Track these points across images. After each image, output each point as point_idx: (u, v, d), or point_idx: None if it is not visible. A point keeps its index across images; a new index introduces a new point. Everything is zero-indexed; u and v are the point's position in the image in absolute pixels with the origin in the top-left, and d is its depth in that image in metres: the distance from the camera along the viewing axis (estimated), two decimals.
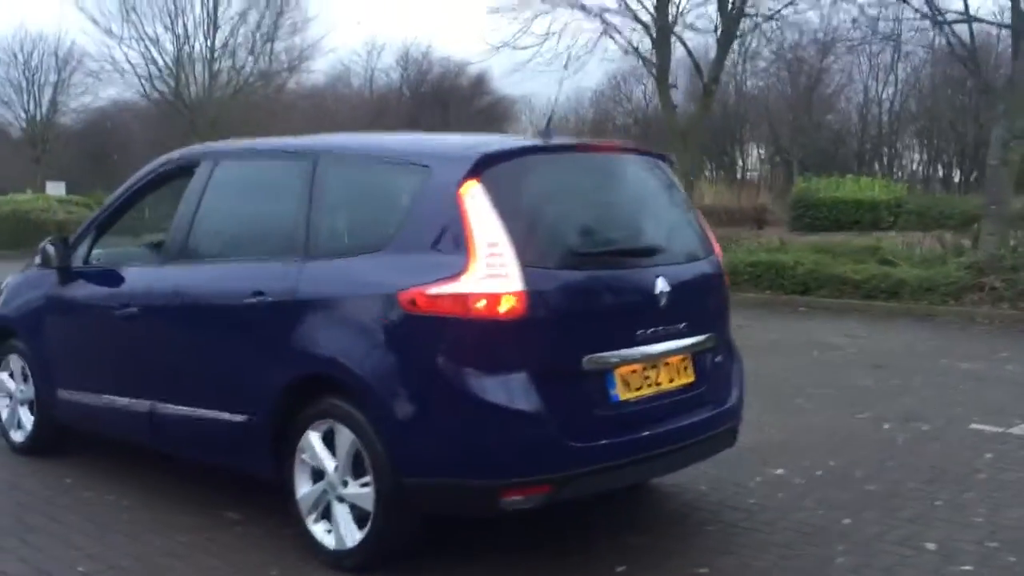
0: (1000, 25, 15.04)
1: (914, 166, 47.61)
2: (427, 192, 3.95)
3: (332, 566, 4.10)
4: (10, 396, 6.06)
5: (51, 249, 5.44)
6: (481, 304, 3.69)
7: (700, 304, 4.40)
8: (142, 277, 5.10)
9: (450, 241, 3.81)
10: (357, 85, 56.64)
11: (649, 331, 4.08)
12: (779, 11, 17.67)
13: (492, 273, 3.70)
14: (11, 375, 6.02)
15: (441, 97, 54.72)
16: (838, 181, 28.47)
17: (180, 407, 4.75)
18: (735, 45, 23.01)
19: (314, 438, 4.16)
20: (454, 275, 3.74)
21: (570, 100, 50.92)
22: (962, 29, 14.25)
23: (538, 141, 4.27)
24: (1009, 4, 13.38)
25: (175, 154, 5.39)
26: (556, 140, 4.31)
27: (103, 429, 5.47)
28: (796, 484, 5.20)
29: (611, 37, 17.76)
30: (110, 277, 5.32)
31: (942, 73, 37.82)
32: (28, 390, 5.88)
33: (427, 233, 3.90)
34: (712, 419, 4.33)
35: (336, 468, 4.08)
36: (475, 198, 3.82)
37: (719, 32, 17.27)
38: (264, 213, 4.70)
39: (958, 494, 5.02)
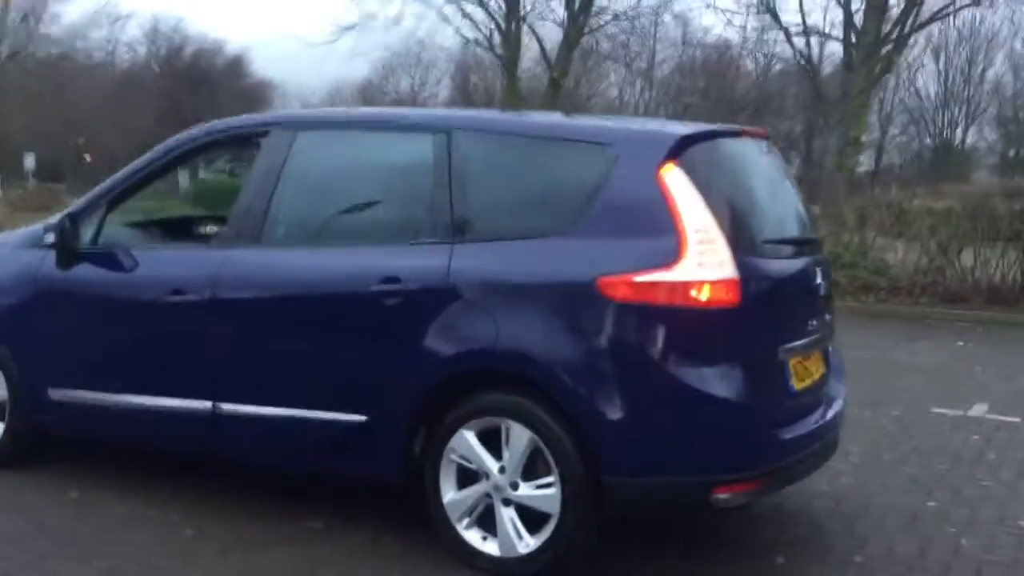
0: (832, 38, 16.21)
1: None
2: (619, 174, 3.72)
3: (493, 574, 3.79)
4: None
5: (65, 226, 4.67)
6: (695, 292, 3.53)
7: (829, 293, 4.43)
8: (198, 262, 4.49)
9: (654, 226, 3.61)
10: (99, 58, 52.82)
11: (814, 321, 4.06)
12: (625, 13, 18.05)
13: (705, 260, 3.55)
14: None
15: (196, 76, 52.07)
16: None
17: (263, 408, 4.22)
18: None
19: (470, 437, 3.83)
20: (666, 263, 3.55)
21: (330, 90, 50.08)
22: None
23: (714, 125, 4.12)
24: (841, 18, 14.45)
25: (222, 123, 4.79)
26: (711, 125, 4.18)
27: (120, 433, 4.79)
28: (843, 470, 5.32)
29: (453, 24, 17.60)
30: (145, 261, 4.66)
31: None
32: None
33: (623, 217, 3.67)
34: (841, 410, 4.36)
35: (502, 469, 3.77)
36: (678, 181, 3.64)
37: (566, 27, 17.49)
38: (382, 191, 4.26)
39: (993, 473, 5.33)
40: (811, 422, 3.96)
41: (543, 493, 3.70)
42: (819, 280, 4.10)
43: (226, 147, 4.98)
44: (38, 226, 5.15)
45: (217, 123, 4.80)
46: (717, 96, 40.79)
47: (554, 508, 3.68)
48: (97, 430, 4.85)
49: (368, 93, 48.45)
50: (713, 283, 3.54)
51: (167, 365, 4.50)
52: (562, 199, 3.82)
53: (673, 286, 3.53)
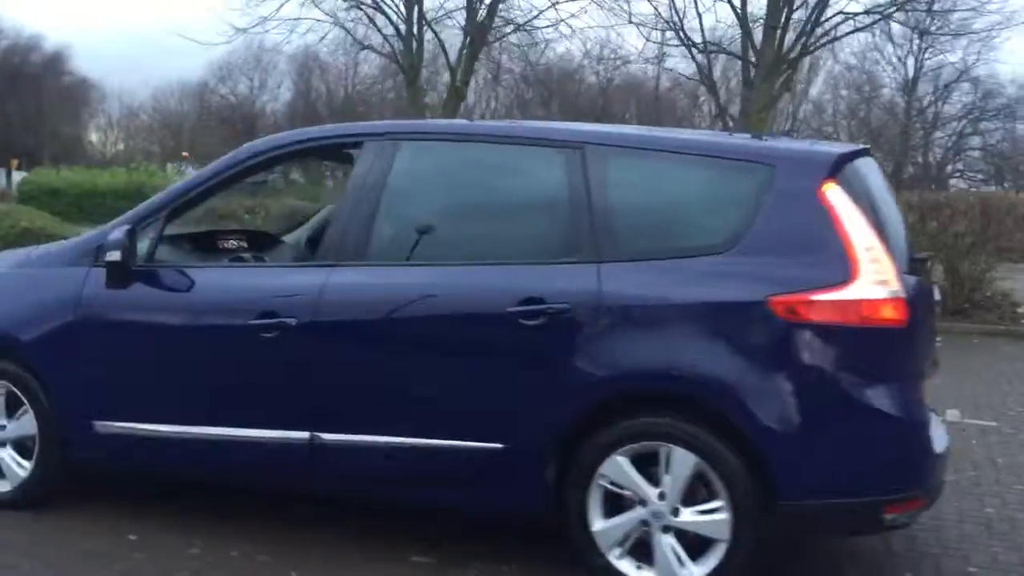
0: (733, 54, 16.69)
1: None
2: (780, 193, 3.67)
3: None
4: None
5: (122, 241, 4.22)
6: (870, 311, 3.53)
7: None
8: (292, 281, 4.16)
9: (824, 245, 3.58)
10: None
11: (936, 338, 4.13)
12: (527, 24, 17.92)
13: (877, 279, 3.55)
14: None
15: (11, 73, 48.86)
16: None
17: (376, 437, 3.95)
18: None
19: (624, 463, 3.69)
20: (841, 282, 3.53)
21: (157, 90, 48.11)
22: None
23: (854, 145, 4.09)
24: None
25: (304, 133, 4.46)
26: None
27: (188, 469, 4.38)
28: None
29: (350, 32, 17.13)
30: (219, 280, 4.29)
31: None
32: (19, 426, 4.54)
33: (788, 236, 3.63)
34: None
35: (662, 495, 3.66)
36: (840, 200, 3.63)
37: (467, 37, 17.25)
38: (509, 207, 4.06)
39: (1019, 476, 5.58)
40: (942, 436, 4.01)
41: (709, 518, 3.61)
42: (937, 296, 4.17)
43: (308, 158, 4.64)
44: (74, 242, 4.68)
45: (300, 132, 4.48)
46: (561, 106, 41.57)
47: (723, 533, 3.59)
48: (157, 466, 4.43)
49: (204, 95, 46.77)
50: (885, 302, 3.54)
51: (255, 394, 4.15)
52: (719, 218, 3.75)
53: (848, 305, 3.51)
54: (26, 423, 4.52)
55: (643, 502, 3.68)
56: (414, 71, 16.99)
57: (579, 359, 3.70)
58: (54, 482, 4.56)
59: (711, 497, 3.61)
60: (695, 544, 3.66)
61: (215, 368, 4.21)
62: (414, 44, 16.83)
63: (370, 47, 17.64)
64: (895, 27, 17.02)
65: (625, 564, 3.72)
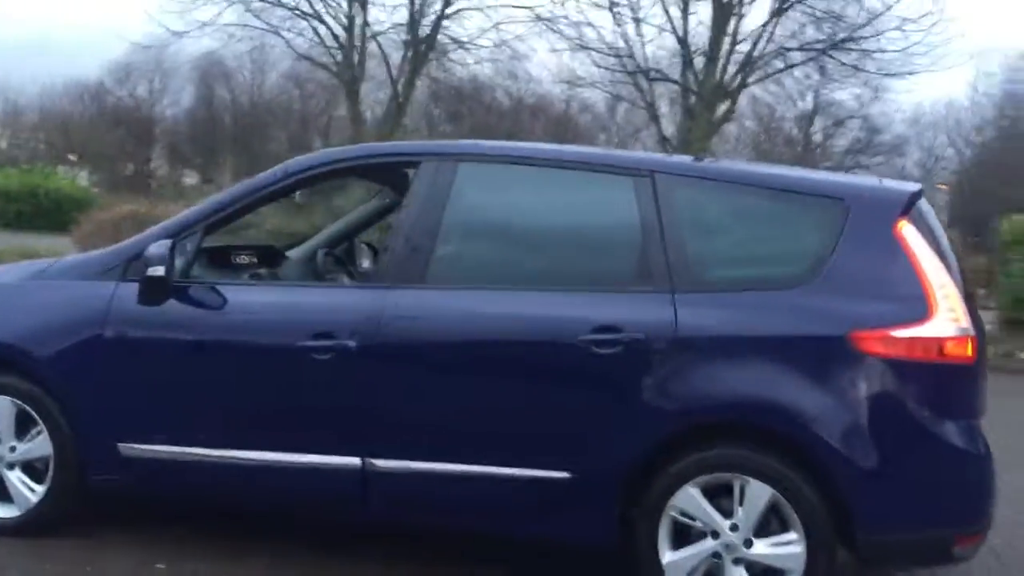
0: (673, 81, 16.94)
1: None
2: (855, 229, 3.72)
3: None
4: None
5: (165, 256, 4.02)
6: (946, 348, 3.60)
7: None
8: (346, 302, 4.03)
9: (901, 282, 3.65)
10: None
11: None
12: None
13: (950, 316, 3.63)
14: None
15: None
16: None
17: (437, 465, 3.85)
18: None
19: (696, 494, 3.68)
20: (920, 318, 3.59)
21: (46, 88, 46.26)
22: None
23: (915, 184, 4.14)
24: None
25: (358, 149, 4.34)
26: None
27: (223, 494, 4.19)
28: None
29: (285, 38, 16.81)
30: (263, 298, 4.14)
31: None
32: (31, 448, 4.28)
33: (864, 272, 3.68)
34: None
35: (734, 527, 3.65)
36: (913, 237, 3.70)
37: (410, 51, 17.07)
38: (575, 233, 4.00)
39: None
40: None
41: (784, 551, 3.62)
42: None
43: (359, 175, 4.51)
44: (97, 255, 4.44)
45: (354, 148, 4.36)
46: (471, 125, 41.51)
47: (797, 565, 3.60)
48: (187, 491, 4.22)
49: (100, 96, 45.24)
50: (958, 339, 3.62)
51: (304, 417, 4.00)
52: (794, 252, 3.78)
53: (926, 342, 3.58)
54: (39, 444, 4.26)
55: (715, 534, 3.67)
56: (354, 84, 16.72)
57: (653, 389, 3.68)
58: (67, 507, 4.31)
59: (784, 529, 3.62)
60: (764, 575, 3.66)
61: (261, 390, 4.04)
62: (355, 56, 16.58)
63: (309, 58, 17.32)
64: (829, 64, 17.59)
65: None
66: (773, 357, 3.63)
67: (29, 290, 4.37)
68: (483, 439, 3.84)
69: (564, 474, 3.75)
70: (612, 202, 3.95)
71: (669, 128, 18.13)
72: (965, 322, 3.65)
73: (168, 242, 4.06)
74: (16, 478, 4.30)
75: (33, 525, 4.27)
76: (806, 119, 40.89)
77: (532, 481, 3.78)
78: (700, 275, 3.77)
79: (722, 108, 16.19)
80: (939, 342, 3.59)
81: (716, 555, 3.67)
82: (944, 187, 39.76)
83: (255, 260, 4.90)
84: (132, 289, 4.15)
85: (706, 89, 15.31)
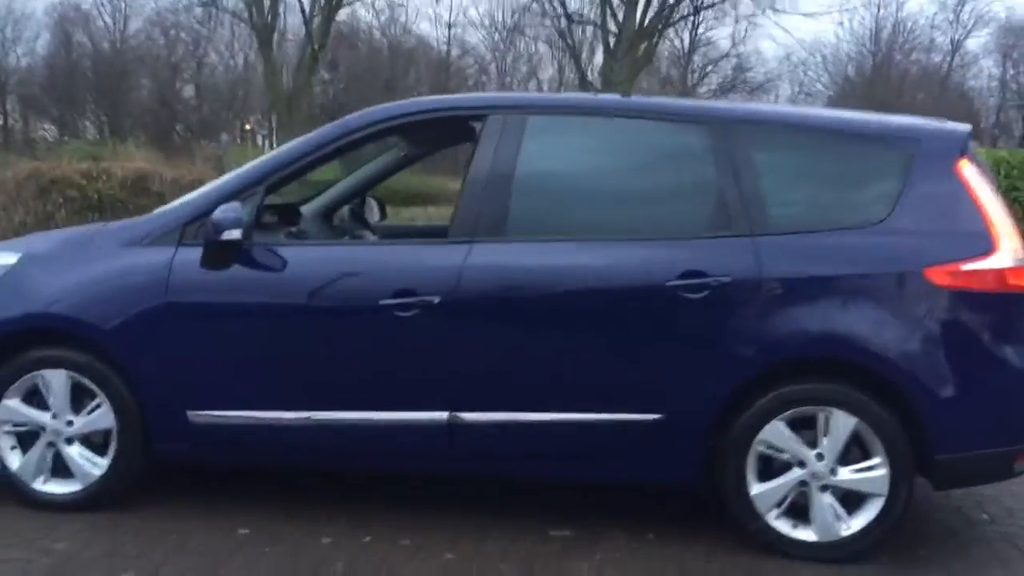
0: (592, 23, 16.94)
1: None
2: (923, 169, 3.91)
3: (807, 559, 3.87)
4: (39, 431, 4.21)
5: (236, 218, 3.94)
6: (1010, 279, 3.84)
7: None
8: (425, 258, 4.03)
9: (966, 218, 3.86)
10: None
11: None
12: None
13: (1011, 249, 3.87)
14: (30, 401, 4.20)
15: None
16: None
17: (525, 415, 3.93)
18: None
19: (783, 427, 3.87)
20: (985, 252, 3.82)
21: None
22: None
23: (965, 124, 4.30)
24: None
25: (423, 103, 4.30)
26: None
27: (303, 457, 4.16)
28: None
29: None
30: (336, 257, 4.11)
31: None
32: (91, 421, 4.16)
33: (932, 210, 3.88)
34: None
35: (820, 456, 3.86)
36: (973, 175, 3.93)
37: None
38: (652, 182, 4.07)
39: None
40: None
41: (867, 476, 3.84)
42: None
43: (423, 129, 4.44)
44: (147, 219, 4.31)
45: (419, 101, 4.31)
46: (348, 73, 40.72)
47: (881, 488, 3.83)
48: (262, 455, 4.18)
49: None
50: (1018, 270, 3.87)
51: (387, 375, 4.00)
52: (867, 193, 3.95)
53: (993, 273, 3.82)
54: (100, 417, 4.15)
55: (801, 463, 3.86)
56: (267, 31, 16.09)
57: (741, 330, 3.83)
58: (130, 479, 4.22)
59: (866, 456, 3.84)
60: (847, 501, 3.88)
61: (341, 350, 4.02)
62: (266, 1, 15.97)
63: (219, 5, 16.61)
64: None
65: (782, 524, 3.90)
66: (853, 294, 3.82)
67: (78, 260, 4.21)
68: (571, 387, 3.92)
69: (654, 416, 3.88)
70: (686, 150, 4.04)
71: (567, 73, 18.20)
72: (1022, 254, 3.90)
73: (237, 204, 3.98)
74: (76, 452, 4.18)
75: (96, 499, 4.18)
76: (683, 59, 41.64)
77: (622, 425, 3.89)
78: (778, 218, 3.91)
79: (642, 48, 16.41)
80: (1002, 273, 3.82)
81: (803, 483, 3.87)
82: None
83: (276, 218, 4.81)
84: (192, 254, 4.05)
85: (627, 32, 15.48)
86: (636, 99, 4.35)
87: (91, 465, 4.17)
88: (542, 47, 38.03)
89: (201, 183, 16.55)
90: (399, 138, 4.82)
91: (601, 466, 4.01)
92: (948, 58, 44.72)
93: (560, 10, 16.00)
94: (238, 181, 4.18)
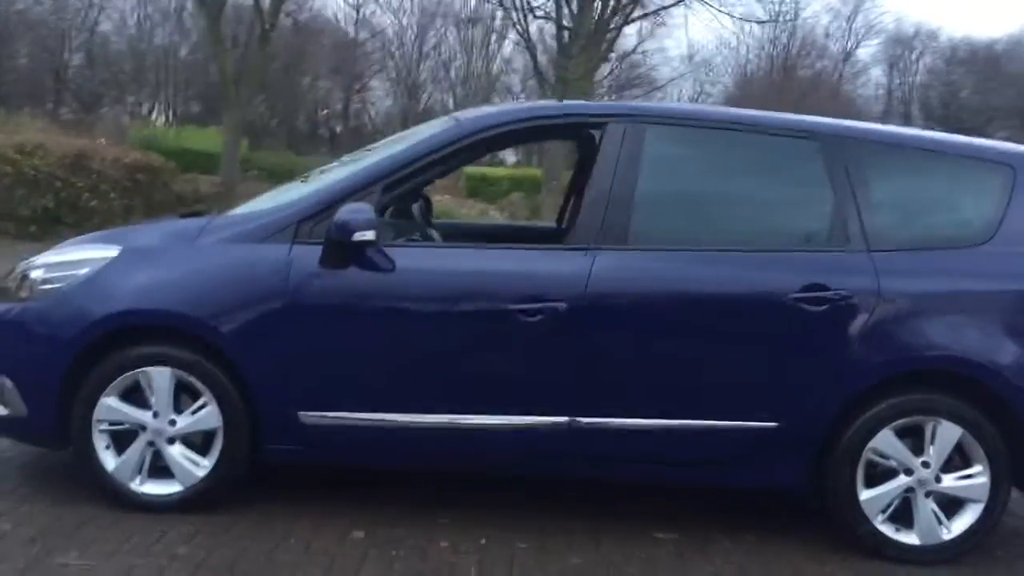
0: (549, 18, 16.89)
1: None
2: (1020, 190, 4.16)
3: (908, 562, 4.06)
4: (137, 431, 4.08)
5: (369, 219, 3.90)
6: None
7: None
8: (554, 263, 4.05)
9: None
10: None
11: None
12: None
13: None
14: (127, 399, 4.07)
15: None
16: None
17: (644, 420, 4.00)
18: None
19: (891, 436, 4.05)
20: None
21: None
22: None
23: None
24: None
25: (538, 108, 4.32)
26: None
27: (417, 458, 4.16)
28: None
29: None
30: (460, 259, 4.11)
31: None
32: (196, 420, 4.06)
33: None
34: None
35: (925, 463, 4.05)
36: None
37: None
38: (766, 195, 4.20)
39: None
40: None
41: (970, 483, 4.05)
42: None
43: (543, 134, 4.45)
44: (258, 214, 4.21)
45: (534, 107, 4.33)
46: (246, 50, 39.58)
47: (982, 495, 4.05)
48: (375, 457, 4.15)
49: None
50: None
51: (508, 378, 4.02)
52: (971, 213, 4.17)
53: None
54: (204, 416, 4.04)
55: (908, 471, 4.05)
56: (216, 7, 15.45)
57: (858, 343, 3.99)
58: (236, 481, 4.13)
59: (967, 463, 4.05)
60: (946, 506, 4.09)
61: (462, 352, 4.02)
62: None
63: None
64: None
65: (887, 528, 4.09)
66: (965, 310, 4.03)
67: (184, 254, 4.08)
68: (690, 394, 4.02)
69: (771, 424, 4.01)
70: (801, 165, 4.18)
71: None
72: None
73: (367, 206, 3.94)
74: (178, 453, 4.07)
75: (197, 500, 4.08)
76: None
77: (739, 432, 4.01)
78: (890, 235, 4.09)
79: (602, 47, 16.51)
80: None
81: (909, 490, 4.07)
82: None
83: None
84: (309, 251, 3.99)
85: (584, 28, 15.57)
86: (747, 112, 4.45)
87: (194, 466, 4.07)
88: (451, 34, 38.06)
89: (152, 166, 15.94)
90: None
91: (713, 472, 4.12)
92: (840, 66, 46.48)
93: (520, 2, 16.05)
94: (354, 180, 4.12)
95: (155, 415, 4.05)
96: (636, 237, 4.07)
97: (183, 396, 4.07)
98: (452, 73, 40.90)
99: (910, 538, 4.08)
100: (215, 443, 4.06)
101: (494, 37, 40.78)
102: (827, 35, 46.29)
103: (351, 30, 40.20)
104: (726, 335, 4.03)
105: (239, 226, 4.14)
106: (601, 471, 4.18)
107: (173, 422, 4.05)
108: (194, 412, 4.05)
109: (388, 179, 4.13)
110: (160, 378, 4.02)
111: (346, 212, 3.90)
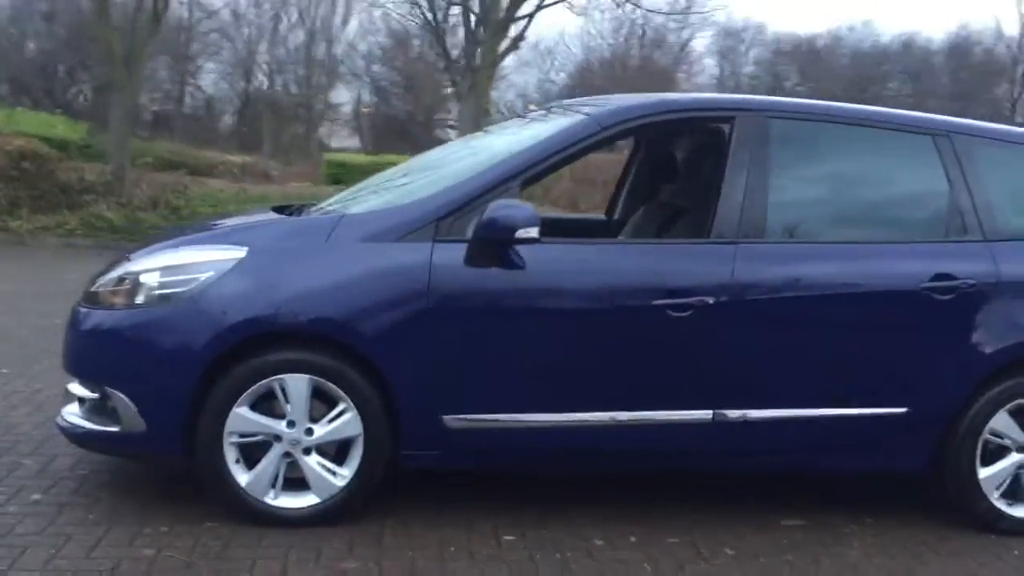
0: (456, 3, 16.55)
1: None
2: None
3: (1021, 533, 4.30)
4: (270, 441, 3.87)
5: (529, 216, 3.79)
6: None
7: None
8: (700, 259, 4.04)
9: None
10: None
11: None
12: None
13: None
14: (257, 409, 3.85)
15: None
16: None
17: (786, 411, 4.07)
18: None
19: (1007, 417, 4.26)
20: None
21: None
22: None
23: None
24: None
25: (677, 100, 4.33)
26: None
27: (553, 457, 4.08)
28: None
29: None
30: (600, 255, 4.09)
31: None
32: (334, 429, 3.85)
33: None
34: None
35: None
36: None
37: None
38: (894, 189, 4.32)
39: None
40: None
41: None
42: None
43: (671, 128, 4.36)
44: (390, 212, 4.02)
45: (663, 100, 4.27)
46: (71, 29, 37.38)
47: None
48: (517, 458, 4.05)
49: None
50: None
51: (656, 374, 3.99)
52: None
53: None
54: (345, 425, 3.84)
55: (1020, 448, 4.28)
56: None
57: (982, 329, 4.17)
58: (373, 490, 3.97)
59: None
60: None
61: (609, 349, 3.96)
62: None
63: None
64: None
65: (1002, 504, 4.30)
66: None
67: (316, 255, 3.86)
68: (828, 383, 4.11)
69: (902, 410, 4.15)
70: (918, 159, 4.32)
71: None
72: None
73: (522, 202, 3.84)
74: (315, 463, 3.87)
75: (334, 512, 3.88)
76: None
77: (873, 419, 4.13)
78: (1004, 225, 4.30)
79: (511, 36, 16.35)
80: None
81: (1021, 466, 4.29)
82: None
83: None
84: (450, 250, 3.86)
85: (493, 15, 15.38)
86: (865, 108, 4.53)
87: (331, 476, 3.88)
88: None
89: (38, 154, 15.02)
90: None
91: (850, 458, 4.23)
92: (677, 56, 47.79)
93: None
94: (493, 176, 3.99)
95: (290, 424, 3.83)
96: (772, 231, 4.12)
97: (318, 404, 3.87)
98: (292, 54, 39.83)
99: (1021, 511, 4.30)
100: (353, 451, 3.87)
101: (338, 19, 39.97)
102: (666, 27, 47.44)
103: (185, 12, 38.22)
104: (861, 325, 4.13)
105: (374, 224, 3.94)
106: (745, 463, 4.22)
107: (310, 431, 3.84)
108: (331, 420, 3.85)
109: (526, 174, 4.02)
110: (297, 385, 3.80)
111: (502, 209, 3.78)
